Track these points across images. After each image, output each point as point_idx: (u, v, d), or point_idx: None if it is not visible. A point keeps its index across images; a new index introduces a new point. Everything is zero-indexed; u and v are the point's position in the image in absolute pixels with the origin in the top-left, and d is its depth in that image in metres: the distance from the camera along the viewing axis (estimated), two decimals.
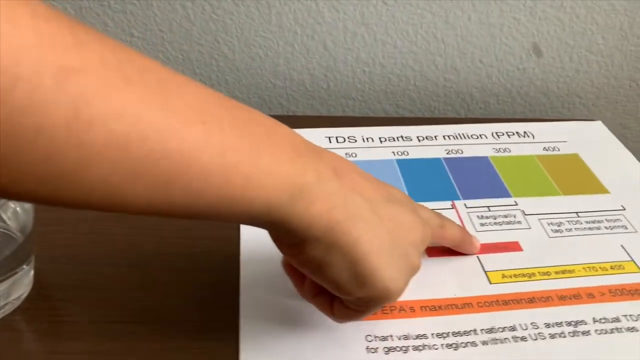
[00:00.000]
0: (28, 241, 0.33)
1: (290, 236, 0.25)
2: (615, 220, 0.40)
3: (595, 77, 0.57)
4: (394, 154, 0.47)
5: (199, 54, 0.53)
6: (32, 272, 0.34)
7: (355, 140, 0.48)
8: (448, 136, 0.49)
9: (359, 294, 0.26)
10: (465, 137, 0.49)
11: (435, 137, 0.49)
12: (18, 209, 0.34)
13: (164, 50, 0.52)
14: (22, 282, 0.33)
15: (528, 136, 0.49)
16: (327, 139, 0.48)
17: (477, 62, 0.55)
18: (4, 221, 0.34)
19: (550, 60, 0.56)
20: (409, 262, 0.28)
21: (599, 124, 0.52)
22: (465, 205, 0.41)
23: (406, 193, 0.41)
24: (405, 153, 0.47)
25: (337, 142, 0.48)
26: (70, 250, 0.36)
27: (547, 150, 0.47)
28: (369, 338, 0.32)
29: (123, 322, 0.32)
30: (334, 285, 0.26)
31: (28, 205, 0.33)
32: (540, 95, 0.58)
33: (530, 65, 0.56)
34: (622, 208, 0.42)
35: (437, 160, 0.46)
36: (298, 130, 0.47)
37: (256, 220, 0.25)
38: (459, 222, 0.40)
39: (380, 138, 0.48)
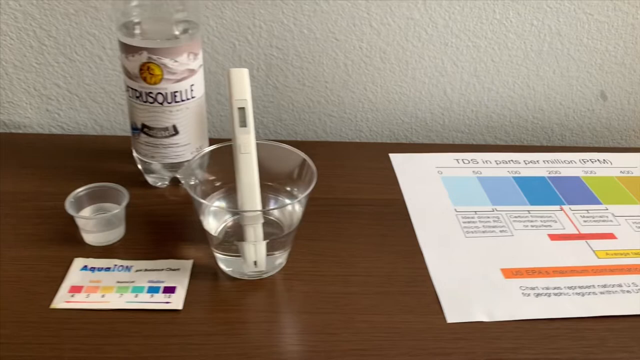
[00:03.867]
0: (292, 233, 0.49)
1: None
2: None
3: None
4: (509, 172, 0.63)
5: (351, 98, 0.70)
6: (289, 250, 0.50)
7: (477, 162, 0.64)
8: (546, 161, 0.65)
9: None
10: (559, 162, 0.65)
11: (537, 161, 0.65)
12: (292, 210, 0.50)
13: (325, 95, 0.69)
14: (285, 255, 0.49)
15: (607, 162, 0.66)
16: (456, 160, 0.65)
17: (558, 105, 0.72)
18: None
19: (613, 103, 0.72)
20: None
21: None
22: (570, 209, 0.57)
23: (526, 201, 0.57)
24: (518, 172, 0.63)
25: (464, 163, 0.64)
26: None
27: (623, 173, 0.64)
28: (523, 288, 0.48)
29: (357, 276, 0.48)
30: None
31: (299, 210, 0.49)
32: (604, 129, 0.74)
33: (597, 107, 0.73)
34: None
35: (543, 178, 0.62)
36: (425, 155, 0.63)
37: None
38: (568, 222, 0.55)
39: (495, 161, 0.65)
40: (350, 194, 0.59)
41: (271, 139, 0.71)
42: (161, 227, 0.54)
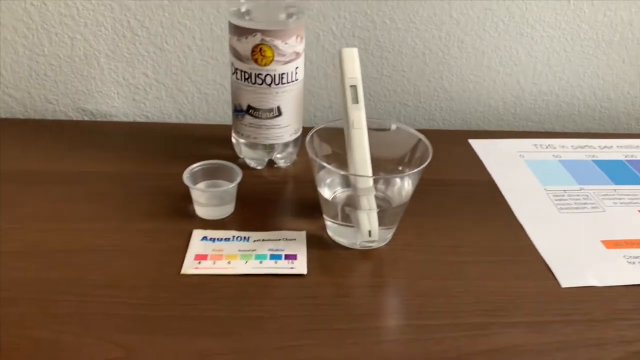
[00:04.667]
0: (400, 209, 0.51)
1: None
2: None
3: None
4: (587, 156, 0.65)
5: (426, 87, 0.72)
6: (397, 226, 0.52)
7: (555, 148, 0.67)
8: (620, 146, 0.68)
9: None
10: (633, 147, 0.68)
11: (611, 146, 0.67)
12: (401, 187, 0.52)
13: (401, 84, 0.72)
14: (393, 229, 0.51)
15: None
16: (534, 145, 0.67)
17: (626, 94, 0.74)
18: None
19: None
20: None
21: None
22: None
23: (610, 181, 0.59)
24: (595, 156, 0.65)
25: (542, 148, 0.67)
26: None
27: None
28: (626, 257, 0.50)
29: (465, 247, 0.50)
30: None
31: (408, 187, 0.51)
32: None
33: None
34: None
35: (620, 161, 0.65)
36: (505, 141, 0.65)
37: None
38: None
39: (572, 146, 0.67)
40: (440, 175, 0.60)
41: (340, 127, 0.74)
42: (265, 204, 0.56)
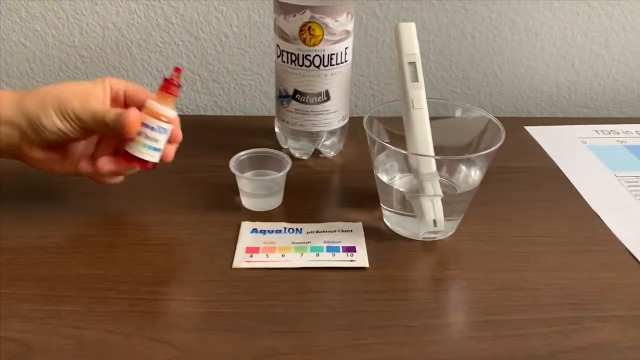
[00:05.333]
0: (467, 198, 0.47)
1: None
2: None
3: None
4: None
5: (476, 72, 0.68)
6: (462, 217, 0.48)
7: (618, 133, 0.62)
8: None
9: None
10: None
11: None
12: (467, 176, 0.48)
13: (449, 70, 0.68)
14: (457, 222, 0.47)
15: None
16: (595, 131, 0.63)
17: None
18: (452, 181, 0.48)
19: None
20: None
21: None
22: None
23: None
24: None
25: (604, 133, 0.62)
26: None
27: None
28: None
29: (538, 237, 0.45)
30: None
31: (475, 174, 0.47)
32: None
33: None
34: None
35: None
36: (563, 127, 0.61)
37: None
38: None
39: (636, 131, 0.63)
40: (502, 163, 0.55)
41: (391, 116, 0.70)
42: (314, 195, 0.52)
